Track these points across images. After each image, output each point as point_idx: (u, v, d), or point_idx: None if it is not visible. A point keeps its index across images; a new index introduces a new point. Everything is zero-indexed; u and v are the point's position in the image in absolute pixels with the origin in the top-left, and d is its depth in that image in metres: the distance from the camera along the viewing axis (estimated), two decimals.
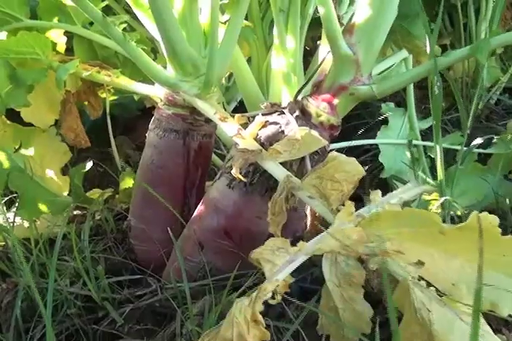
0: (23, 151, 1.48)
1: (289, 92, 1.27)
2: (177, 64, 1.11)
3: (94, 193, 1.53)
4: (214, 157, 1.40)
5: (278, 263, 0.75)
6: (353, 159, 0.91)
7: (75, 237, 1.12)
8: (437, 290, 0.83)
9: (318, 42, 1.97)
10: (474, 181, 1.55)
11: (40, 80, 1.30)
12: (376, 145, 1.60)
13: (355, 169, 0.90)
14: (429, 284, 0.83)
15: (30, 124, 1.48)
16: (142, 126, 1.85)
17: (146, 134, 1.20)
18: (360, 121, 1.96)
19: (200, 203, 1.12)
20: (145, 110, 1.94)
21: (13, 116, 1.46)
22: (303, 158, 1.02)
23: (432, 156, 1.60)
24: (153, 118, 1.19)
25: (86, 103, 1.52)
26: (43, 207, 1.44)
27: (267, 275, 0.74)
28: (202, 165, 1.20)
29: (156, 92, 1.20)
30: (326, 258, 0.84)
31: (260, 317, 0.67)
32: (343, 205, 0.88)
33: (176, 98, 1.14)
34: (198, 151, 1.17)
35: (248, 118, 1.09)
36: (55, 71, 1.32)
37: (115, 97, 1.77)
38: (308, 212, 1.00)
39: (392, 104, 1.64)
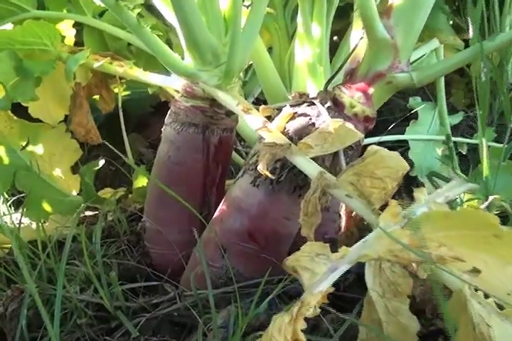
0: (30, 148, 1.39)
1: (315, 84, 1.17)
2: (196, 52, 1.01)
3: (106, 193, 1.43)
4: (233, 154, 1.29)
5: (318, 271, 0.64)
6: (396, 153, 0.80)
7: (85, 240, 1.02)
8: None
9: (335, 37, 1.87)
10: (506, 179, 1.44)
11: (48, 72, 1.20)
12: (397, 143, 1.50)
13: (398, 164, 0.79)
14: (485, 295, 0.72)
15: (38, 120, 1.38)
16: (155, 123, 1.77)
17: (162, 129, 1.09)
18: (380, 118, 1.85)
19: (222, 203, 1.02)
20: (158, 106, 1.83)
21: (20, 111, 1.36)
22: (336, 153, 0.91)
23: (464, 153, 1.48)
24: (169, 111, 1.08)
25: (97, 97, 1.41)
26: (51, 208, 1.34)
27: (306, 285, 0.63)
28: (222, 162, 1.09)
29: (173, 84, 1.10)
30: (370, 265, 0.73)
31: (302, 336, 0.56)
32: (386, 205, 0.77)
33: (194, 89, 1.03)
34: (218, 146, 1.06)
35: (273, 110, 0.98)
36: (64, 62, 1.23)
37: (127, 92, 1.67)
38: (342, 213, 0.89)
39: (419, 99, 1.53)
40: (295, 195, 0.94)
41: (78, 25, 1.37)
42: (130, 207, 1.31)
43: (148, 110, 1.86)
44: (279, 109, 0.97)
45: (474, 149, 1.49)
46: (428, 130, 1.40)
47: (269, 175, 0.86)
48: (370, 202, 0.77)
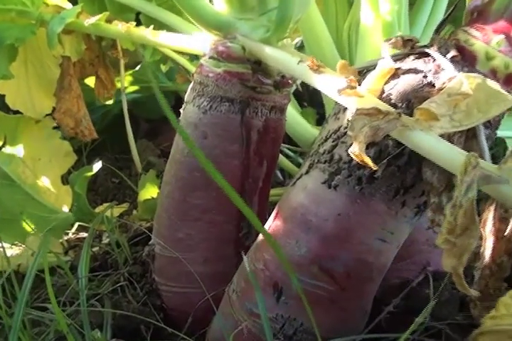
0: (7, 150, 1.01)
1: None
2: None
3: (104, 208, 1.04)
4: None
5: None
6: None
7: (49, 274, 0.62)
8: None
9: None
10: None
11: (25, 38, 0.84)
12: None
13: None
14: None
15: (18, 112, 1.01)
16: (169, 129, 1.40)
17: (181, 109, 0.71)
18: None
19: (273, 216, 0.62)
20: (173, 109, 1.46)
21: None
22: (469, 131, 0.52)
23: None
24: (191, 83, 0.70)
25: (94, 83, 1.03)
26: (31, 227, 0.95)
27: None
28: (269, 157, 0.70)
29: (197, 44, 0.73)
30: None
31: None
32: None
33: (230, 47, 0.66)
34: (263, 133, 0.68)
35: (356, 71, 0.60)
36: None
37: (136, 87, 1.31)
38: (488, 229, 0.50)
39: None
40: (397, 203, 0.55)
41: None
42: (134, 226, 0.91)
43: (161, 114, 1.49)
44: (366, 71, 0.59)
45: None
46: None
47: (371, 165, 0.47)
48: None
